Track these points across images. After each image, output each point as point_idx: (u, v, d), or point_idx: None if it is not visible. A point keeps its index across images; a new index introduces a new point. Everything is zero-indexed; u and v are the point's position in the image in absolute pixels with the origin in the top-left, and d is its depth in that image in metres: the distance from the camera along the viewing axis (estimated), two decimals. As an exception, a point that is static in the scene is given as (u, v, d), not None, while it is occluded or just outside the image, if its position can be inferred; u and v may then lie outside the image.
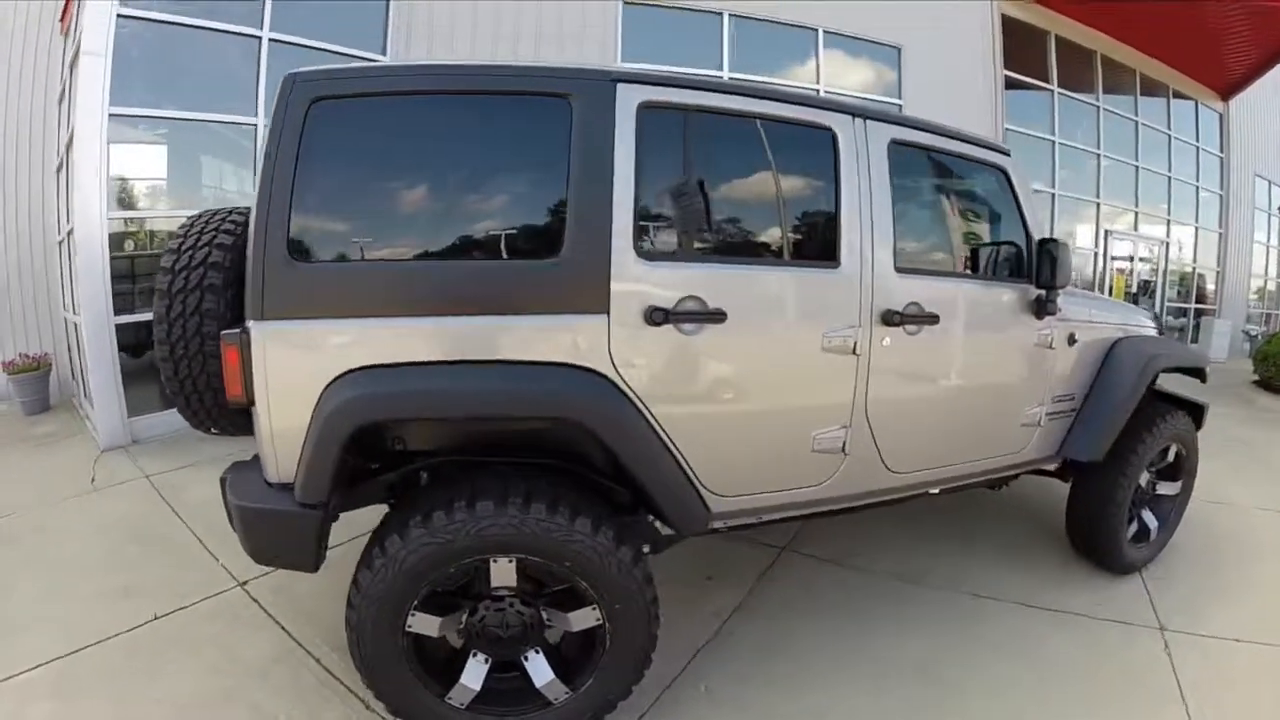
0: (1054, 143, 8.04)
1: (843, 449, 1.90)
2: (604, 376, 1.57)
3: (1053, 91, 7.96)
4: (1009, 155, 2.31)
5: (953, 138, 2.16)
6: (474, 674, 1.66)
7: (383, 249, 1.62)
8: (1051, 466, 2.64)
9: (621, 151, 1.57)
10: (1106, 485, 2.51)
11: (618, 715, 1.79)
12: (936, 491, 2.32)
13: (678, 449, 1.67)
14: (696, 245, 1.74)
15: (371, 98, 1.58)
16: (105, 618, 2.28)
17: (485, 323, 1.55)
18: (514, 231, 1.62)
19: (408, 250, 1.62)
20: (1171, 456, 2.77)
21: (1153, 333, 2.84)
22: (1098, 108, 8.50)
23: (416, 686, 1.63)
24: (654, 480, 1.61)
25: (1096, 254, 8.67)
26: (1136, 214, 9.21)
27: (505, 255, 1.61)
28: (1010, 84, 7.33)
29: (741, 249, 1.85)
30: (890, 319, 1.88)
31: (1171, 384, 2.95)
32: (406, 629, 1.58)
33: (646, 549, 1.86)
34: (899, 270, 1.93)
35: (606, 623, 1.63)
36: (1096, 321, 2.58)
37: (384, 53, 5.15)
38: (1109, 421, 2.43)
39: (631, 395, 1.59)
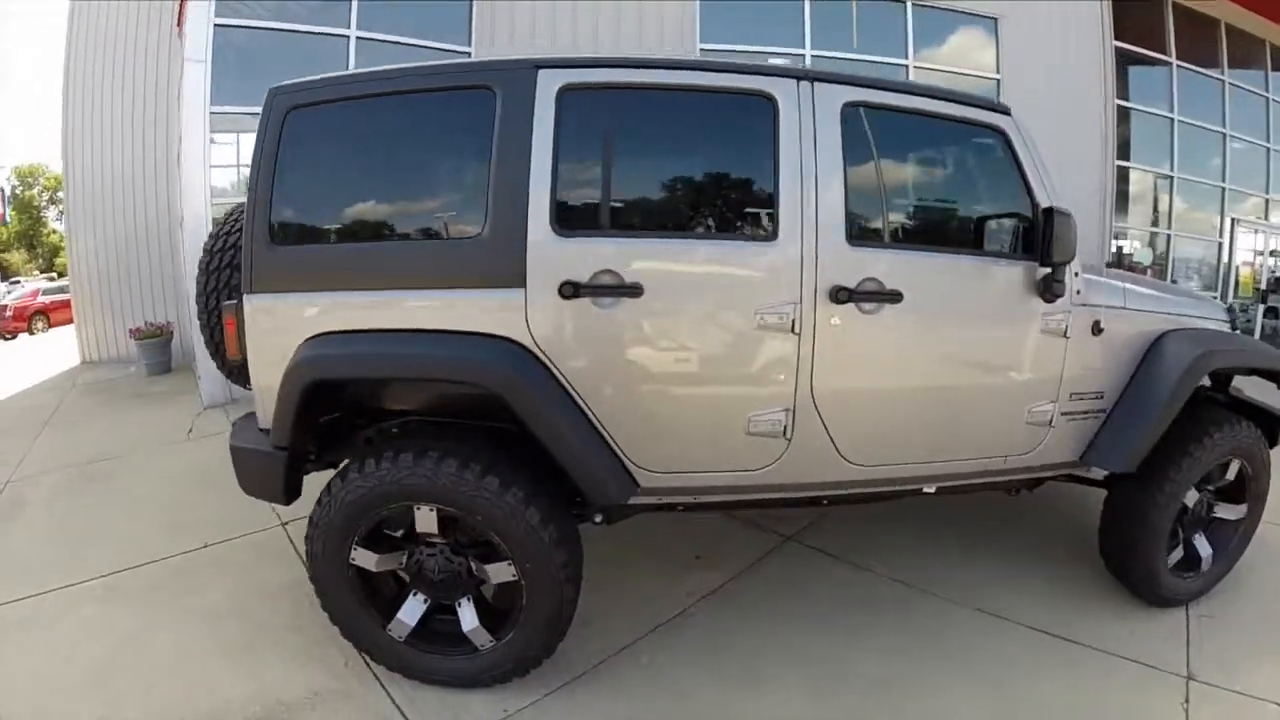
0: (1173, 120, 7.19)
1: (784, 434, 1.87)
2: (523, 346, 1.72)
3: (1171, 65, 7.10)
4: (1008, 114, 2.08)
5: (933, 97, 2.03)
6: (411, 611, 1.90)
7: (342, 232, 1.90)
8: (1087, 473, 2.37)
9: (540, 134, 1.71)
10: (1141, 503, 2.24)
11: (549, 673, 1.95)
12: (932, 490, 2.20)
13: (599, 420, 1.78)
14: (615, 220, 1.83)
15: (335, 104, 1.86)
16: (167, 544, 2.83)
17: (421, 296, 1.77)
18: (447, 215, 1.83)
19: (362, 233, 1.88)
20: (1233, 474, 2.41)
21: (1221, 327, 2.50)
22: (1223, 82, 7.49)
23: (360, 613, 1.89)
24: (560, 448, 1.72)
25: (1221, 244, 7.63)
26: (1268, 201, 8.00)
27: (440, 236, 1.82)
28: (1123, 57, 6.62)
29: (663, 223, 1.91)
30: (838, 296, 1.81)
31: (1257, 391, 2.59)
32: (350, 561, 1.84)
33: (599, 518, 2.01)
34: (853, 243, 1.86)
35: (522, 579, 1.78)
36: (1135, 309, 2.27)
37: (469, 46, 5.61)
38: (1142, 427, 2.14)
39: (550, 365, 1.73)
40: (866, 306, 1.85)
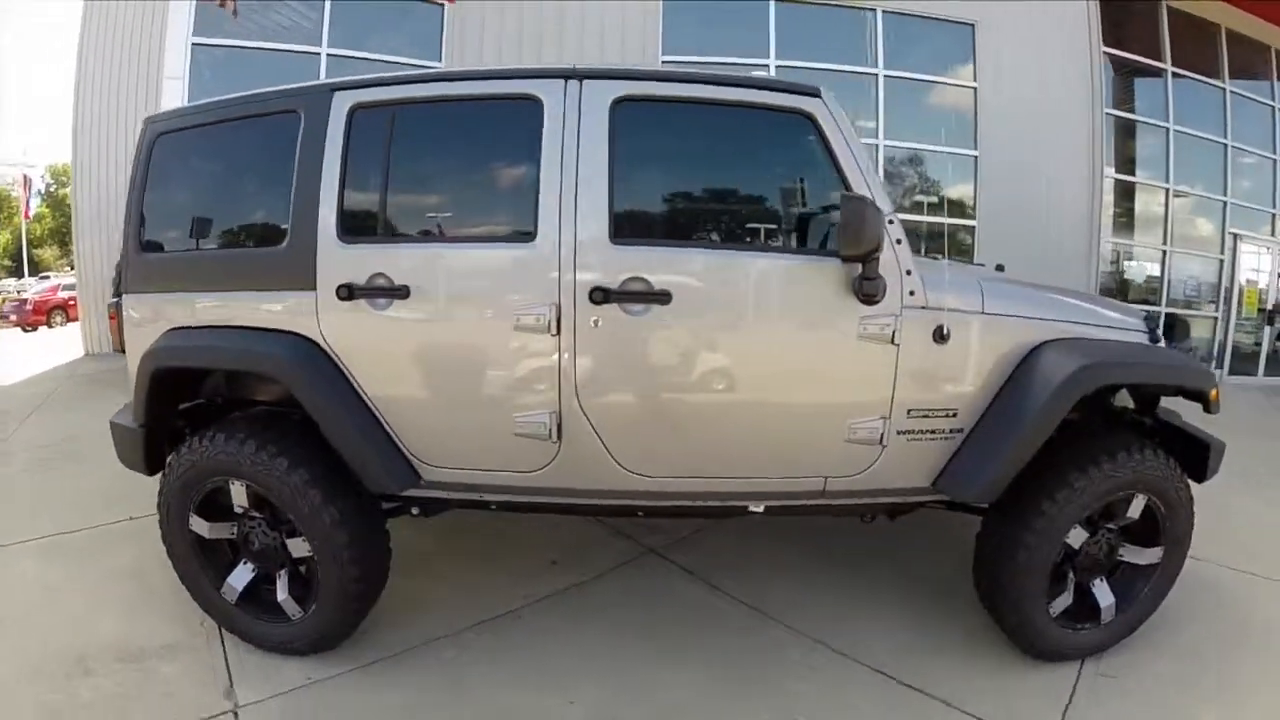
0: (1168, 130, 6.95)
1: (551, 437, 1.95)
2: (313, 342, 2.00)
3: (1166, 72, 6.89)
4: (817, 96, 1.94)
5: (723, 85, 1.99)
6: (239, 576, 2.20)
7: (188, 242, 2.26)
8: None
9: (331, 151, 1.97)
10: (1009, 540, 2.06)
11: (365, 649, 2.22)
12: (760, 510, 2.12)
13: (380, 414, 2.02)
14: (393, 229, 2.06)
15: (187, 130, 2.23)
16: (104, 514, 3.23)
17: (242, 297, 2.10)
18: (263, 226, 2.16)
19: (203, 242, 2.24)
20: (1137, 512, 2.14)
21: (1135, 338, 2.27)
22: (1224, 90, 7.20)
23: (200, 575, 2.22)
24: (335, 435, 1.97)
25: (1222, 261, 7.29)
26: (1275, 216, 7.59)
27: (257, 245, 2.15)
28: (1117, 65, 6.53)
29: (431, 230, 2.11)
30: (596, 296, 1.85)
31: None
32: (189, 527, 2.16)
33: (415, 510, 2.26)
34: (618, 241, 1.89)
35: (315, 556, 2.03)
36: (998, 314, 2.05)
37: (440, 59, 6.08)
38: (1003, 453, 1.94)
39: (336, 360, 2.00)
40: (633, 308, 1.89)
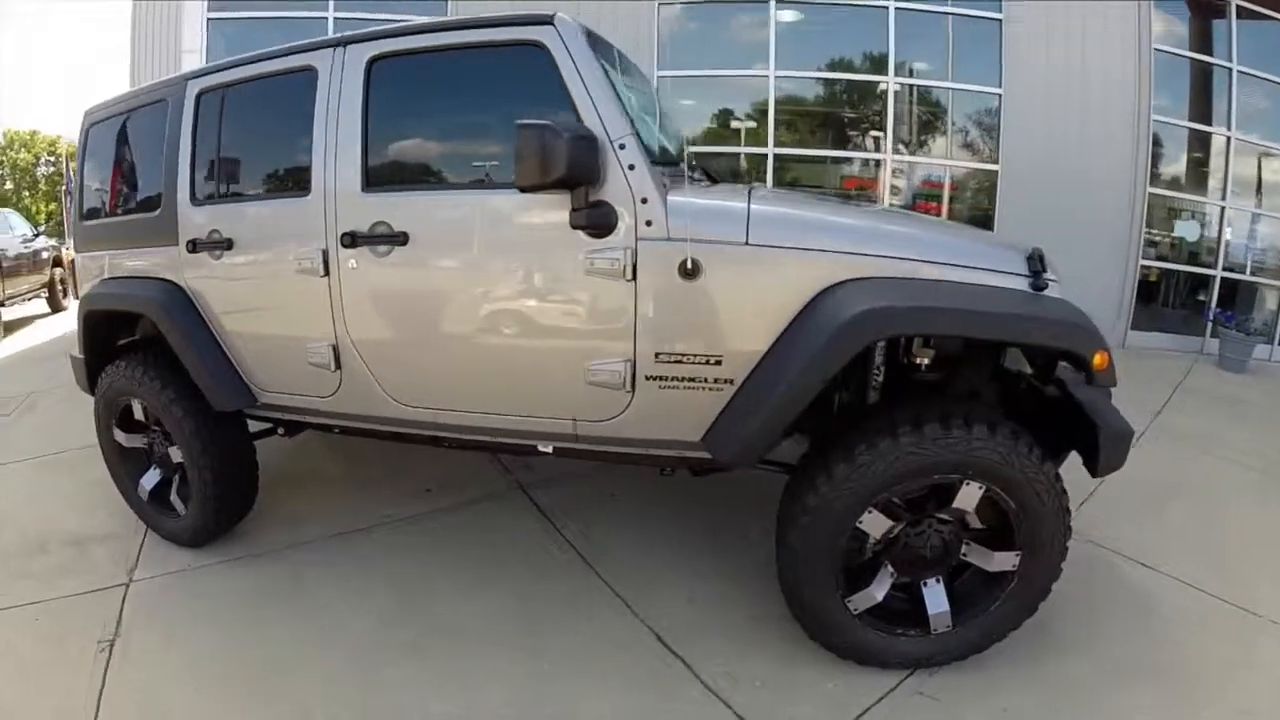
0: (1231, 71, 5.96)
1: (331, 367, 2.30)
2: (178, 287, 2.58)
3: (1230, 4, 5.89)
4: (548, 23, 1.94)
5: (459, 28, 2.08)
6: (149, 478, 2.86)
7: (109, 211, 2.96)
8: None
9: (185, 131, 2.52)
10: (784, 516, 1.96)
11: (235, 547, 2.80)
12: (549, 450, 2.18)
13: (225, 344, 2.55)
14: (224, 191, 2.55)
15: (110, 119, 2.90)
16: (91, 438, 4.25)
17: (135, 252, 2.74)
18: (149, 196, 2.73)
19: (118, 210, 2.91)
20: (969, 503, 1.85)
21: (1006, 281, 1.89)
22: None
23: (123, 475, 2.92)
24: (186, 360, 2.52)
25: None
26: None
27: (151, 213, 2.71)
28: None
29: (251, 190, 2.53)
30: (346, 240, 2.13)
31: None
32: (113, 437, 2.86)
33: (280, 430, 2.81)
34: (369, 190, 2.13)
35: (185, 463, 2.63)
36: (769, 245, 1.85)
37: None
38: (758, 411, 1.83)
39: (193, 301, 2.55)
40: (380, 249, 2.12)
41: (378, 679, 2.09)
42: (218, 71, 2.55)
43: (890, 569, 2.01)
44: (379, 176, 2.19)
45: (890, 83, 5.93)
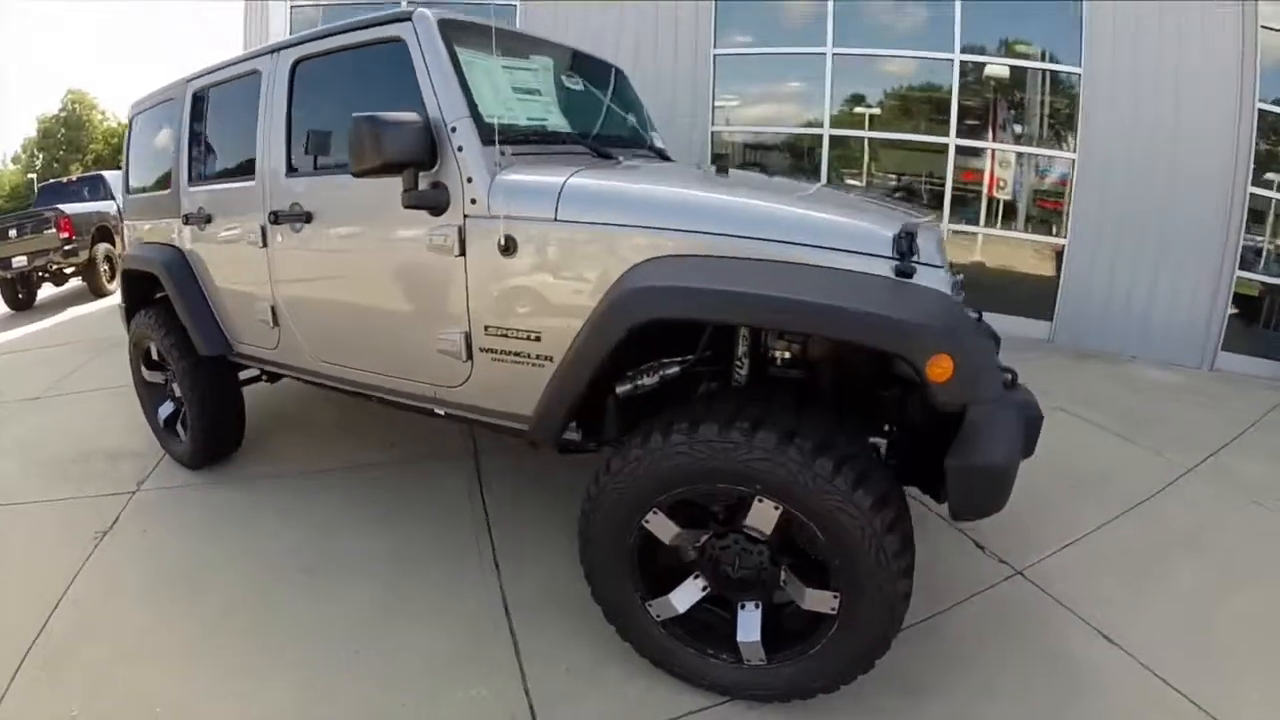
0: None
1: (271, 323, 2.80)
2: (180, 251, 3.23)
3: None
4: (406, 20, 2.17)
5: (345, 31, 2.40)
6: (165, 409, 3.56)
7: (144, 188, 3.68)
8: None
9: (185, 126, 3.15)
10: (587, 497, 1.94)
11: (217, 471, 3.49)
12: (442, 414, 2.36)
13: (211, 301, 3.14)
14: (206, 175, 3.12)
15: (146, 111, 3.65)
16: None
17: (155, 223, 3.44)
18: (165, 177, 3.38)
19: (147, 189, 3.63)
20: (765, 524, 1.71)
21: (861, 264, 1.67)
22: None
23: (149, 405, 3.70)
24: (180, 311, 3.14)
25: None
26: None
27: (164, 190, 3.37)
28: None
29: (222, 176, 3.04)
30: (271, 217, 2.60)
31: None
32: (142, 375, 3.72)
33: (265, 378, 3.40)
34: (289, 175, 2.55)
35: (182, 396, 3.34)
36: (574, 221, 1.90)
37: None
38: (552, 389, 1.96)
39: (191, 264, 3.18)
40: (296, 226, 2.54)
41: (271, 590, 2.58)
42: (206, 75, 3.15)
43: (702, 581, 1.91)
44: (296, 164, 2.60)
45: (955, 59, 5.64)
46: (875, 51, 6.07)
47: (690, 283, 1.70)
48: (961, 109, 5.81)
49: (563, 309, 1.95)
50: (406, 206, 2.05)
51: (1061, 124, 5.68)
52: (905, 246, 1.65)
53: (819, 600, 1.75)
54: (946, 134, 5.88)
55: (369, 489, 3.34)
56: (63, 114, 39.84)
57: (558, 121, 2.55)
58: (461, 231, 2.08)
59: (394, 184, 2.04)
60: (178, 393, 3.46)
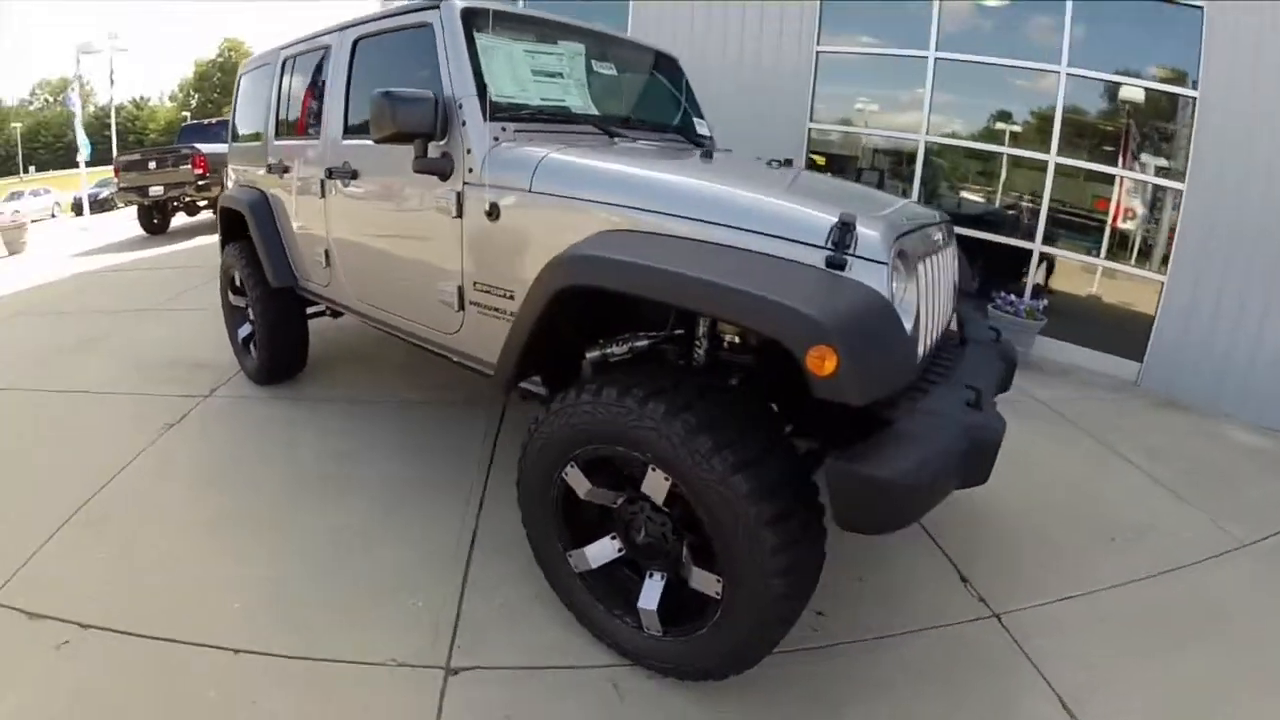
0: None
1: (324, 264, 3.27)
2: (264, 195, 3.76)
3: None
4: (435, 8, 2.49)
5: (391, 15, 2.80)
6: (243, 330, 4.19)
7: (245, 137, 4.26)
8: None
9: (273, 89, 3.70)
10: None
11: (283, 390, 4.06)
12: (454, 359, 2.64)
13: (284, 240, 3.65)
14: (286, 131, 3.61)
15: (250, 72, 4.21)
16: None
17: (247, 169, 4.02)
18: (259, 131, 3.91)
19: (246, 139, 4.21)
20: (657, 493, 1.78)
21: (795, 251, 1.68)
22: None
23: (232, 326, 4.35)
24: (258, 247, 3.64)
25: None
26: None
27: (257, 142, 3.91)
28: None
29: (296, 133, 3.50)
30: (328, 172, 3.03)
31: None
32: (229, 300, 4.37)
33: (328, 312, 3.86)
34: (345, 137, 2.97)
35: (253, 320, 3.95)
36: (546, 193, 2.10)
37: (627, 35, 7.46)
38: (506, 343, 2.15)
39: (271, 207, 3.69)
40: (345, 181, 2.95)
41: (288, 491, 3.01)
42: (293, 45, 3.64)
43: (618, 542, 2.02)
44: (350, 129, 3.01)
45: (1062, 72, 5.34)
46: (978, 58, 5.84)
47: (604, 253, 1.81)
48: (1066, 124, 5.52)
49: (531, 270, 2.07)
50: (416, 171, 2.36)
51: (1170, 147, 5.29)
52: (839, 237, 1.64)
53: (704, 581, 1.80)
54: (1047, 150, 5.61)
55: (402, 422, 3.75)
56: (219, 59, 44.06)
57: (575, 102, 2.75)
58: (460, 197, 2.37)
59: (408, 150, 2.35)
60: (253, 317, 4.02)
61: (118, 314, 6.03)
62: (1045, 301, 5.51)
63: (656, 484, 1.77)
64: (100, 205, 18.20)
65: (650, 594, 1.93)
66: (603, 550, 2.03)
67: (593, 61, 2.96)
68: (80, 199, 16.46)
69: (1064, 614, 2.45)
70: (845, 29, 6.52)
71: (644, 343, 2.11)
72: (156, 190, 10.12)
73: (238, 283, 4.10)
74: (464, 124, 2.35)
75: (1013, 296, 5.45)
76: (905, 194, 6.25)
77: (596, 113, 2.82)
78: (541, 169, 2.15)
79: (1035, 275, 5.80)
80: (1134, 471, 3.72)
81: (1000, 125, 6.07)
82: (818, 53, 6.54)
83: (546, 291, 1.91)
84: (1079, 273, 5.83)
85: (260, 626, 2.16)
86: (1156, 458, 3.91)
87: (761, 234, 1.73)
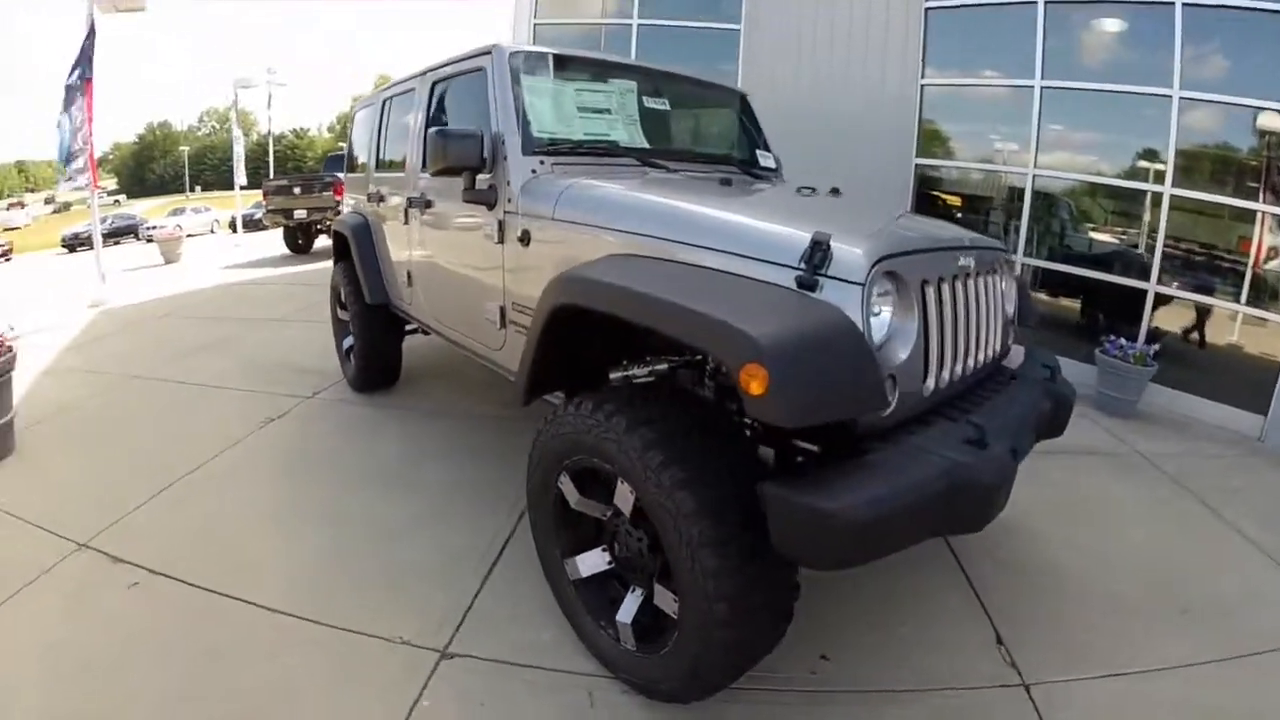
0: None
1: (408, 283, 3.65)
2: (366, 220, 4.22)
3: None
4: (488, 54, 2.78)
5: (457, 61, 3.09)
6: (347, 340, 4.82)
7: (352, 169, 4.85)
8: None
9: (374, 127, 4.20)
10: None
11: (377, 398, 4.52)
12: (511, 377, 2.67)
13: (380, 261, 4.06)
14: (381, 165, 4.05)
15: (361, 110, 4.81)
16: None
17: (355, 197, 4.56)
18: (363, 163, 4.48)
19: (354, 169, 4.79)
20: (625, 504, 1.84)
21: (768, 272, 1.71)
22: None
23: (339, 337, 4.99)
24: (358, 268, 4.07)
25: None
26: None
27: (361, 174, 4.48)
28: None
29: (393, 165, 3.90)
30: (411, 201, 3.41)
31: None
32: (335, 311, 4.93)
33: (421, 330, 4.28)
34: (423, 170, 3.26)
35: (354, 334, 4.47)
36: (563, 220, 2.31)
37: (739, 24, 7.78)
38: (521, 359, 2.27)
39: (374, 232, 4.12)
40: (422, 209, 3.33)
41: (356, 488, 3.33)
42: (391, 88, 4.10)
43: (607, 554, 2.06)
44: (427, 163, 3.27)
45: (1175, 96, 4.93)
46: (1087, 85, 5.55)
47: (590, 275, 1.90)
48: (1180, 154, 5.12)
49: None
50: (464, 201, 2.66)
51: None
52: (810, 257, 1.64)
53: (663, 597, 1.82)
54: (1162, 182, 5.21)
55: (469, 432, 4.05)
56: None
57: (621, 136, 2.93)
58: (502, 224, 2.62)
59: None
60: (352, 330, 4.50)
61: (249, 321, 6.89)
62: (1157, 346, 5.06)
63: (624, 496, 1.82)
64: (254, 225, 20.29)
65: (628, 608, 1.97)
66: (594, 561, 2.09)
67: (644, 98, 3.14)
68: (235, 218, 18.66)
69: (1103, 694, 2.14)
70: (950, 60, 6.38)
71: (664, 366, 2.16)
72: (300, 213, 11.44)
73: (342, 298, 4.61)
74: (505, 158, 2.60)
75: (1122, 340, 5.00)
76: (1013, 230, 5.96)
77: (644, 145, 2.99)
78: (563, 199, 2.35)
79: (1150, 317, 5.35)
80: (1235, 538, 3.30)
81: (1116, 157, 5.69)
82: (922, 86, 6.46)
83: (545, 309, 2.05)
84: (1200, 316, 5.32)
85: (296, 593, 2.46)
86: (1267, 525, 3.43)
87: (744, 256, 1.77)
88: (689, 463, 1.65)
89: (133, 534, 2.86)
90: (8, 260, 23.74)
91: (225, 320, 7.01)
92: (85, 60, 8.47)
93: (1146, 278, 5.30)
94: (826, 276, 1.62)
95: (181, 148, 68.14)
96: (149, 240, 19.85)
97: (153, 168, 79.87)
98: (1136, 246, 5.51)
